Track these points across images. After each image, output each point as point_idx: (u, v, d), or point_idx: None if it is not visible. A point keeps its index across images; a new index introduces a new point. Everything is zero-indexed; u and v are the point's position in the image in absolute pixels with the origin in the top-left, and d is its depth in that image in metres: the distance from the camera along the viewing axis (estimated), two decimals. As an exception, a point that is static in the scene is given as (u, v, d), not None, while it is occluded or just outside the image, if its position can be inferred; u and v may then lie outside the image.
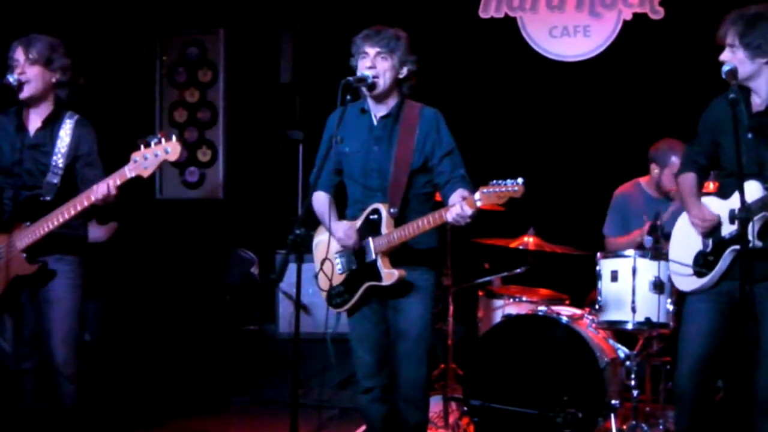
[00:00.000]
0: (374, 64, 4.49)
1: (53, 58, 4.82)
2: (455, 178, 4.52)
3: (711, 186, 4.93)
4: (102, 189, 4.55)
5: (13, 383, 4.96)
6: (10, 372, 4.98)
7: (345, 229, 4.56)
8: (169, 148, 4.53)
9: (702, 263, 4.47)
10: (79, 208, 4.62)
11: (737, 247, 4.28)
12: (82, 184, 4.74)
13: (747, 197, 4.10)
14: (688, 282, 4.55)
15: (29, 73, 4.76)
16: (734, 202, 4.25)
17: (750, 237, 4.15)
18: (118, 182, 4.56)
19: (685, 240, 4.59)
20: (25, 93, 4.78)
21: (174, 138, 4.57)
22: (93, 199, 4.57)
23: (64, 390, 4.78)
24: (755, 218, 4.20)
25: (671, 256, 4.69)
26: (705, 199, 4.57)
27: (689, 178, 4.65)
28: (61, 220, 4.64)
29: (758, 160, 4.25)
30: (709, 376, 4.58)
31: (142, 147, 4.55)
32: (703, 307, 4.47)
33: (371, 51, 4.50)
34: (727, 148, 4.40)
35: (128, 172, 4.56)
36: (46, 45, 4.81)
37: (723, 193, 4.48)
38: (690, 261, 4.52)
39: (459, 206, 4.19)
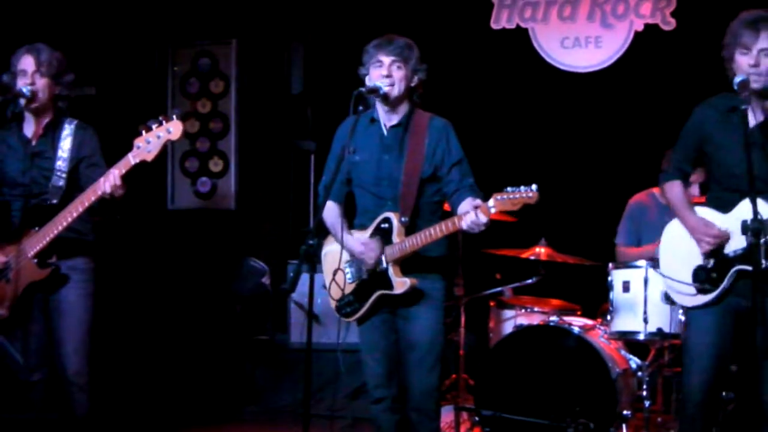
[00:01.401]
0: (390, 72, 4.48)
1: (62, 73, 4.86)
2: (464, 188, 4.51)
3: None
4: (108, 181, 4.54)
5: (23, 393, 4.96)
6: (20, 382, 4.98)
7: (365, 243, 4.52)
8: (171, 128, 4.52)
9: (704, 279, 4.30)
10: (86, 204, 4.61)
11: (743, 267, 4.16)
12: (88, 185, 4.70)
13: (748, 214, 4.02)
14: (690, 298, 4.39)
15: (38, 84, 4.78)
16: (736, 216, 4.18)
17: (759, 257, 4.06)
18: (123, 171, 4.55)
19: (679, 253, 4.43)
20: (33, 103, 4.80)
21: (175, 117, 4.56)
22: (99, 193, 4.55)
23: (76, 399, 4.79)
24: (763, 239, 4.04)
25: (666, 272, 4.52)
26: (699, 210, 4.41)
27: (678, 187, 4.51)
28: (69, 219, 4.65)
29: (761, 176, 4.08)
30: (719, 388, 4.53)
31: (143, 132, 4.55)
32: (710, 320, 4.33)
33: (386, 60, 4.49)
34: (725, 162, 4.29)
35: (132, 158, 4.55)
36: (57, 59, 4.84)
37: (718, 207, 4.34)
38: (687, 276, 4.36)
39: (473, 213, 4.18)
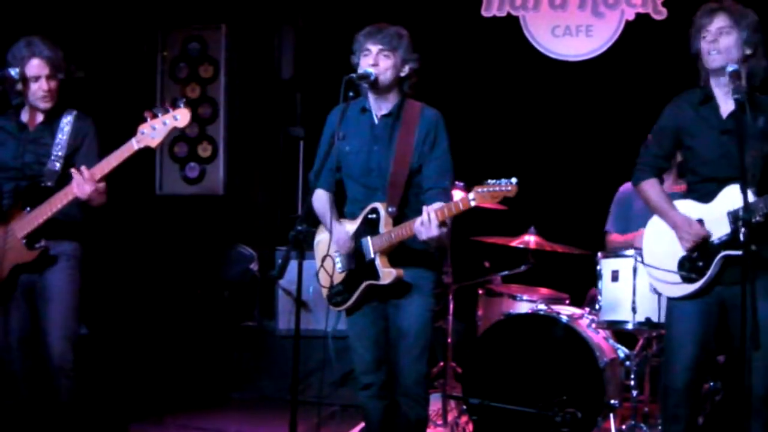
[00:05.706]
0: (377, 61, 4.46)
1: (65, 67, 4.87)
2: (437, 190, 4.47)
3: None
4: (108, 164, 4.55)
5: (6, 378, 4.93)
6: (3, 367, 4.95)
7: (342, 237, 4.55)
8: (178, 116, 4.53)
9: (689, 268, 4.29)
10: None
11: (730, 252, 4.16)
12: None
13: (730, 202, 4.10)
14: (675, 288, 4.37)
15: (53, 87, 4.81)
16: (717, 206, 4.21)
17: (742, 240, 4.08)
18: (125, 155, 4.55)
19: (663, 244, 4.42)
20: (46, 104, 4.82)
21: (182, 104, 4.55)
22: (99, 175, 4.56)
23: (61, 385, 4.77)
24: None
25: (649, 261, 4.50)
26: (680, 203, 4.40)
27: (656, 185, 4.50)
28: (65, 201, 4.64)
29: (736, 163, 4.06)
30: (702, 377, 4.49)
31: (148, 119, 4.54)
32: (691, 309, 4.31)
33: (374, 48, 4.47)
34: (699, 150, 4.32)
35: (135, 144, 4.55)
36: (59, 55, 4.84)
37: (699, 198, 4.34)
38: (673, 266, 4.35)
39: (421, 226, 4.19)
